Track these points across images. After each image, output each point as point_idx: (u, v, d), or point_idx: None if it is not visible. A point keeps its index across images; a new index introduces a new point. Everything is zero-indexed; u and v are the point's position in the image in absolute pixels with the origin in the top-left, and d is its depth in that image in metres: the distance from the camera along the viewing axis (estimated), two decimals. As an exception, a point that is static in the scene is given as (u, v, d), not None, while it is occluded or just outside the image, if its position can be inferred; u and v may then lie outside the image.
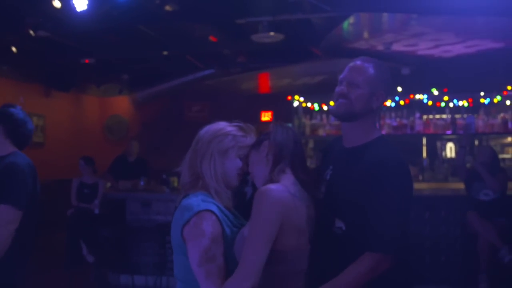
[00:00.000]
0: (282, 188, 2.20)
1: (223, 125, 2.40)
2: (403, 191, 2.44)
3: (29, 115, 3.59)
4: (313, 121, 9.44)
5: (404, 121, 8.94)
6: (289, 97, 9.88)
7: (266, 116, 11.97)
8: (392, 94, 8.96)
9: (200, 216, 2.18)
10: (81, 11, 5.70)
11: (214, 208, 2.22)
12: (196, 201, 2.24)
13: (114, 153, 9.54)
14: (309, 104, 9.78)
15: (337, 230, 2.48)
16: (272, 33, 7.02)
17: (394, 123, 8.94)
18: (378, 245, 2.34)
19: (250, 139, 2.39)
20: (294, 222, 2.19)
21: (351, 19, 6.93)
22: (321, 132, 9.31)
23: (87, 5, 5.75)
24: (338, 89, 2.59)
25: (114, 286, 7.06)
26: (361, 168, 2.45)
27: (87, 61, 9.75)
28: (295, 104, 9.87)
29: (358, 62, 2.59)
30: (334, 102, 2.61)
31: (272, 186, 2.19)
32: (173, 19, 7.01)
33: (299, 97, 9.78)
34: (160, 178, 7.62)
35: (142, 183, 7.84)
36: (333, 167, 2.64)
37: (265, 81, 11.45)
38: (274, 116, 11.82)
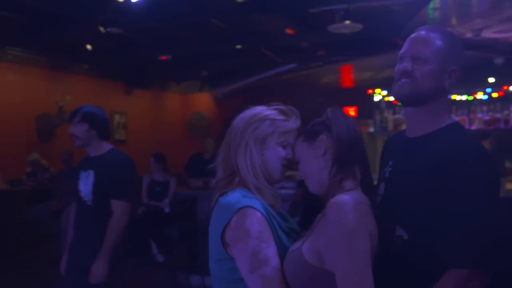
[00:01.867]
0: (360, 199, 1.74)
1: (260, 109, 2.00)
2: (490, 186, 1.89)
3: (111, 113, 3.79)
4: (396, 116, 8.89)
5: (498, 115, 8.21)
6: (370, 91, 9.39)
7: (351, 111, 11.49)
8: (483, 86, 8.28)
9: (241, 214, 1.78)
10: (142, 4, 5.54)
11: (258, 205, 1.81)
12: (235, 197, 1.83)
13: (195, 150, 9.45)
14: (391, 98, 9.24)
15: (397, 239, 1.96)
16: (348, 22, 6.61)
17: (486, 117, 8.22)
18: (465, 258, 1.80)
19: (293, 123, 1.96)
20: (372, 245, 1.73)
21: (436, 3, 6.39)
22: (404, 127, 8.75)
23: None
24: (399, 66, 2.05)
25: (185, 286, 6.89)
26: (429, 161, 1.91)
27: (164, 57, 9.74)
28: (377, 98, 9.36)
29: (423, 32, 2.05)
30: (396, 83, 2.07)
31: (348, 198, 1.71)
32: (245, 11, 6.77)
33: (381, 90, 9.27)
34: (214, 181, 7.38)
35: (214, 181, 7.62)
36: (393, 162, 2.11)
37: (346, 75, 11.00)
38: (358, 111, 11.35)
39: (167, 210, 7.31)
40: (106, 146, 3.68)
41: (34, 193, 8.55)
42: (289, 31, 8.25)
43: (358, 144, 1.87)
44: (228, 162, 1.97)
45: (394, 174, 2.08)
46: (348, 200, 1.68)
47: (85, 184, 3.56)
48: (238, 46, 9.02)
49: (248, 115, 1.99)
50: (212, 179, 6.51)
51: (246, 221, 1.76)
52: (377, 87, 9.41)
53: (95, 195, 3.52)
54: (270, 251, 1.75)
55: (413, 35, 2.07)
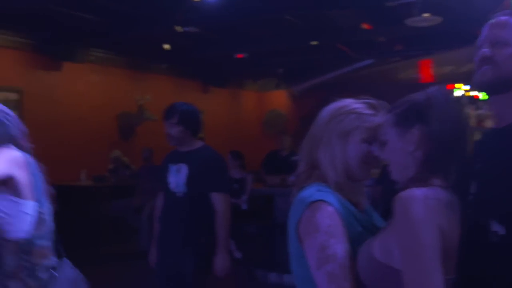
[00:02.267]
0: (432, 195, 1.56)
1: (347, 102, 1.86)
2: None
3: (189, 111, 3.82)
4: (479, 112, 8.56)
5: None
6: (451, 86, 9.09)
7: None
8: None
9: (312, 207, 1.68)
10: (218, 2, 5.57)
11: (331, 199, 1.71)
12: (310, 192, 1.74)
13: (272, 148, 9.45)
14: (473, 93, 8.91)
15: (492, 236, 1.77)
16: (426, 15, 6.40)
17: None
18: None
19: (382, 118, 1.79)
20: (445, 245, 1.55)
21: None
22: (488, 124, 8.41)
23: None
24: (479, 53, 1.87)
25: (263, 284, 6.90)
26: None
27: (240, 55, 9.80)
28: (459, 93, 9.07)
29: (502, 17, 1.86)
30: (476, 72, 1.88)
31: (418, 192, 1.55)
32: (320, 7, 6.69)
33: (463, 85, 8.96)
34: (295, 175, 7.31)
35: (293, 178, 7.58)
36: (483, 158, 1.92)
37: (425, 69, 10.68)
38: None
39: (244, 207, 7.33)
40: (198, 143, 3.82)
41: (116, 189, 8.80)
42: (365, 25, 8.09)
43: (459, 141, 1.66)
44: (310, 155, 1.87)
45: (486, 169, 1.89)
46: (416, 195, 1.54)
47: (176, 177, 3.70)
48: (314, 43, 8.94)
49: (334, 107, 1.87)
50: (289, 176, 6.48)
51: (316, 215, 1.68)
52: (459, 82, 9.10)
53: (188, 187, 3.65)
54: (339, 248, 1.64)
55: (491, 21, 1.93)
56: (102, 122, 9.52)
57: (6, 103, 7.36)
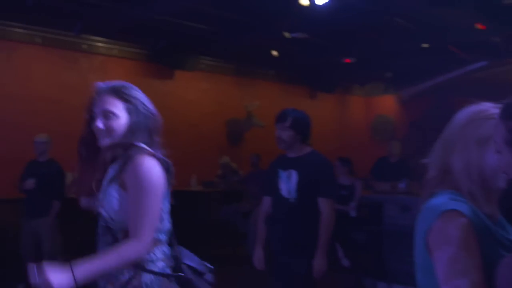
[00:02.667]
0: None
1: (486, 106, 1.75)
2: None
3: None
4: None
5: None
6: None
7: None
8: None
9: (445, 217, 1.59)
10: (326, 7, 5.53)
11: (465, 209, 1.61)
12: (442, 199, 1.65)
13: (380, 154, 9.28)
14: None
15: None
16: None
17: None
18: None
19: None
20: None
21: None
22: None
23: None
24: None
25: (371, 292, 6.76)
26: None
27: (348, 60, 9.69)
28: None
29: None
30: None
31: None
32: (430, 7, 6.47)
33: None
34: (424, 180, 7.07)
35: (402, 185, 7.38)
36: None
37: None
38: None
39: (353, 214, 7.21)
40: (306, 148, 3.87)
41: (224, 194, 8.96)
42: (479, 26, 7.74)
43: None
44: (442, 160, 1.76)
45: None
46: None
47: (287, 183, 3.78)
48: (424, 45, 8.67)
49: (472, 111, 1.76)
50: (399, 183, 6.30)
51: (448, 226, 1.58)
52: None
53: (299, 193, 3.73)
54: (471, 263, 1.54)
55: None
56: (211, 129, 9.75)
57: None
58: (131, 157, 2.20)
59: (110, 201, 2.22)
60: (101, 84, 2.34)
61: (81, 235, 6.50)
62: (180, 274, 2.32)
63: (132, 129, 2.28)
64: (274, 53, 8.37)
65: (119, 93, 2.31)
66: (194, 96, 9.50)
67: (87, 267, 2.07)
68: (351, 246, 7.06)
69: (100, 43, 8.18)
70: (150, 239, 2.18)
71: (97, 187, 2.26)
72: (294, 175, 3.77)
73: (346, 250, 7.04)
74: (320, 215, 3.69)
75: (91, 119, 2.32)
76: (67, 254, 6.65)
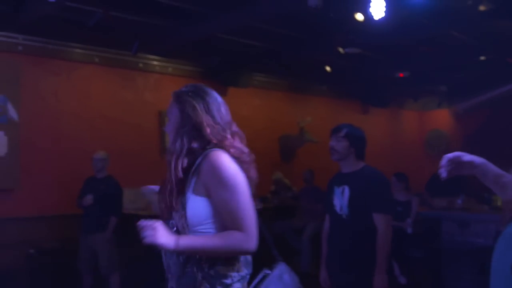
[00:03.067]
0: None
1: None
2: None
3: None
4: None
5: None
6: None
7: None
8: None
9: None
10: (382, 22, 5.49)
11: None
12: None
13: (434, 169, 9.09)
14: None
15: None
16: None
17: None
18: None
19: None
20: None
21: None
22: None
23: (385, 12, 5.48)
24: None
25: (429, 311, 6.61)
26: None
27: (401, 75, 9.58)
28: None
29: None
30: None
31: None
32: (488, 19, 6.34)
33: None
34: (481, 196, 6.90)
35: (459, 201, 7.22)
36: None
37: None
38: None
39: (409, 231, 7.07)
40: (360, 164, 3.82)
41: (277, 210, 8.94)
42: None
43: None
44: None
45: None
46: None
47: (341, 199, 3.74)
48: (482, 58, 8.49)
49: None
50: (457, 199, 6.15)
51: None
52: None
53: (351, 209, 3.69)
54: None
55: None
56: (264, 145, 9.76)
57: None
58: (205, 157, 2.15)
59: (193, 207, 2.13)
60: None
61: (137, 251, 6.64)
62: None
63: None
64: (328, 68, 8.35)
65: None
66: (247, 112, 9.55)
67: (192, 239, 2.08)
68: (408, 263, 6.92)
69: (155, 62, 8.33)
70: (256, 233, 2.13)
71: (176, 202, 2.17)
72: (346, 191, 3.74)
73: (403, 267, 6.90)
74: (376, 231, 3.61)
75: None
76: (124, 269, 6.77)
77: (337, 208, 3.77)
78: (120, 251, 6.71)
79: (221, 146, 2.17)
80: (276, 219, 8.66)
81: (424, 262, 6.80)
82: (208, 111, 2.20)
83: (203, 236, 2.09)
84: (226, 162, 2.12)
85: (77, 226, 6.75)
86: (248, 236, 2.09)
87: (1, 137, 6.78)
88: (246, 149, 2.29)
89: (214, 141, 2.17)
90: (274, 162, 9.90)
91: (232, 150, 2.19)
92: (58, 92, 7.42)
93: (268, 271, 2.32)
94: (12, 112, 6.88)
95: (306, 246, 8.37)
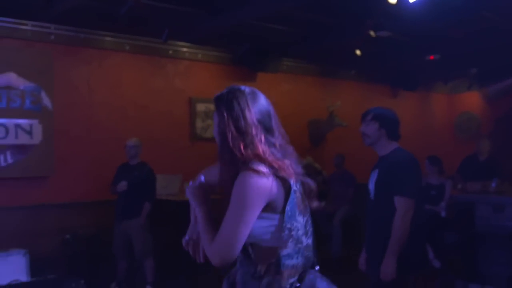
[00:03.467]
0: None
1: None
2: None
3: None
4: None
5: None
6: None
7: None
8: None
9: None
10: (415, 4, 5.42)
11: None
12: None
13: (465, 152, 9.01)
14: None
15: None
16: None
17: None
18: None
19: None
20: None
21: None
22: None
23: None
24: None
25: (463, 295, 6.58)
26: None
27: (431, 57, 9.47)
28: None
29: None
30: None
31: None
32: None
33: None
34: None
35: (494, 185, 7.15)
36: None
37: None
38: None
39: (443, 214, 7.05)
40: (393, 146, 3.75)
41: (308, 195, 8.92)
42: None
43: None
44: None
45: None
46: None
47: (372, 183, 3.76)
48: (515, 39, 8.34)
49: None
50: (491, 182, 6.10)
51: None
52: None
53: (376, 192, 3.70)
54: None
55: None
56: (293, 130, 9.69)
57: (207, 113, 7.89)
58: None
59: None
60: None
61: (170, 236, 6.71)
62: None
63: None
64: (358, 52, 8.27)
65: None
66: (276, 97, 9.45)
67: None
68: (442, 247, 6.90)
69: (185, 48, 8.35)
70: (220, 253, 1.97)
71: None
72: (375, 174, 3.74)
73: (437, 251, 6.88)
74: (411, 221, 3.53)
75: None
76: (157, 254, 6.87)
77: (370, 192, 3.79)
78: (153, 236, 6.81)
79: (255, 158, 2.03)
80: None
81: (458, 246, 6.77)
82: (242, 117, 2.08)
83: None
84: (249, 185, 1.95)
85: (111, 212, 6.85)
86: (211, 248, 2.01)
87: (36, 126, 6.88)
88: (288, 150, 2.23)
89: (248, 153, 2.03)
90: (303, 147, 9.89)
91: (267, 162, 2.03)
92: (90, 80, 7.49)
93: (298, 285, 2.06)
94: (46, 101, 6.97)
95: (337, 231, 8.39)
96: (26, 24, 6.88)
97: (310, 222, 2.17)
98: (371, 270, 3.80)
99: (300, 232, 2.09)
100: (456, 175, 8.19)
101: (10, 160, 6.68)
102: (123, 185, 6.64)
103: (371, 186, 3.75)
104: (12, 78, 6.72)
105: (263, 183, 1.96)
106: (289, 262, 2.04)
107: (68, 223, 7.06)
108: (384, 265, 3.51)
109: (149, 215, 6.68)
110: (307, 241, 2.13)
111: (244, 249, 2.06)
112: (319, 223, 8.64)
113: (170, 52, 8.20)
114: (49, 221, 6.96)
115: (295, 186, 2.10)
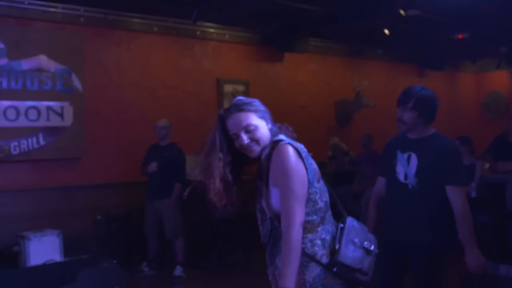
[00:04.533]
0: None
1: None
2: None
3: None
4: None
5: None
6: None
7: None
8: None
9: None
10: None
11: None
12: None
13: (493, 132, 8.92)
14: None
15: None
16: None
17: None
18: None
19: None
20: None
21: None
22: None
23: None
24: None
25: (493, 276, 6.54)
26: None
27: (460, 36, 9.34)
28: None
29: None
30: None
31: None
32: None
33: None
34: None
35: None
36: None
37: None
38: None
39: (473, 194, 7.00)
40: (429, 130, 3.51)
41: (336, 176, 8.93)
42: None
43: None
44: None
45: None
46: None
47: (405, 167, 3.47)
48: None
49: None
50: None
51: None
52: None
53: (419, 180, 3.42)
54: None
55: None
56: (321, 110, 9.75)
57: (234, 94, 7.92)
58: (273, 151, 2.48)
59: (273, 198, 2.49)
60: (221, 111, 2.58)
61: (200, 216, 6.76)
62: (335, 269, 2.47)
63: (270, 129, 2.55)
64: (386, 31, 8.19)
65: (245, 108, 2.52)
66: (303, 78, 9.52)
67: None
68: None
69: (212, 29, 8.34)
70: (300, 221, 2.38)
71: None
72: (414, 159, 3.44)
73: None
74: (448, 205, 3.32)
75: (228, 143, 2.57)
76: (188, 234, 6.94)
77: (400, 176, 3.50)
78: (184, 216, 6.88)
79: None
80: (335, 185, 8.67)
81: (489, 226, 6.72)
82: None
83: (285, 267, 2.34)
84: (285, 151, 2.47)
85: (142, 193, 6.93)
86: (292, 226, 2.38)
87: (67, 108, 6.95)
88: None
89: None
90: (330, 127, 9.88)
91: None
92: (120, 62, 7.53)
93: (341, 225, 2.57)
94: (76, 83, 7.03)
95: (364, 211, 8.38)
96: (57, 7, 6.91)
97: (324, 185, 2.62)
98: (394, 259, 3.56)
99: (317, 196, 2.50)
100: (487, 155, 8.12)
101: (42, 142, 6.76)
102: (153, 166, 6.70)
103: (405, 170, 3.46)
104: (43, 60, 6.78)
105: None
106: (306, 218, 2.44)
107: (99, 203, 7.15)
108: (472, 260, 3.36)
109: (180, 195, 6.75)
110: (321, 203, 2.52)
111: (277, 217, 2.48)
112: (347, 203, 8.65)
113: (198, 33, 8.20)
114: (81, 202, 7.05)
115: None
